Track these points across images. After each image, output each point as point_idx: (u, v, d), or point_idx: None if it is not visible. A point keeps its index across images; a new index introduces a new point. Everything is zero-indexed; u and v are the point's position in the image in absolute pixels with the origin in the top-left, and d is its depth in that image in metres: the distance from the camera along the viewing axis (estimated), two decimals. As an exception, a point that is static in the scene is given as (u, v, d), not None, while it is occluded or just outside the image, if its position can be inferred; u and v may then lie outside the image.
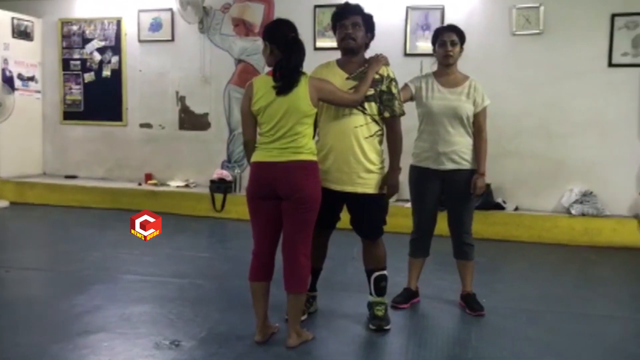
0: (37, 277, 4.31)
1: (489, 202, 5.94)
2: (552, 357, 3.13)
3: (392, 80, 3.29)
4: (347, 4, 3.35)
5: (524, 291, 4.26)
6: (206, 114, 7.12)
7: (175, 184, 7.09)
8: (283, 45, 2.96)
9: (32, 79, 7.58)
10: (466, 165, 3.60)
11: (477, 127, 3.62)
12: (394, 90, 3.28)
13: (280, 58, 2.95)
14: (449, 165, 3.58)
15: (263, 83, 2.98)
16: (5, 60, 7.21)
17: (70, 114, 7.67)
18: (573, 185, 5.89)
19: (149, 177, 7.25)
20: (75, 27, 7.53)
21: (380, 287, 3.42)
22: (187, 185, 7.04)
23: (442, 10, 6.16)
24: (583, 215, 5.70)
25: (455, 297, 3.84)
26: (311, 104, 2.95)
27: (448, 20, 6.08)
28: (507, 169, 6.07)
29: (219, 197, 6.59)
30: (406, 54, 6.24)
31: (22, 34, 7.40)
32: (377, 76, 3.22)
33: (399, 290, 3.79)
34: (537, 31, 5.88)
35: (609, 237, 5.60)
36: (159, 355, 2.94)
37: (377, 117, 3.26)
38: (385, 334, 3.32)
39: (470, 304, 3.70)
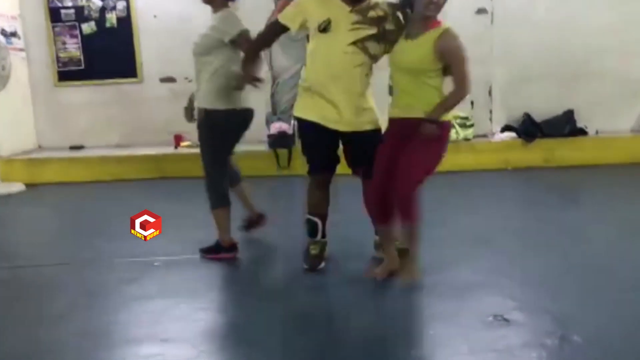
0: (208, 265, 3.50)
1: (574, 129, 5.86)
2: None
3: (397, 15, 3.04)
4: None
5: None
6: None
7: (215, 143, 6.29)
8: None
9: (14, 34, 6.28)
10: None
11: None
12: (403, 22, 3.04)
13: None
14: None
15: None
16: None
17: (66, 74, 6.49)
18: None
19: (179, 139, 6.35)
20: (63, -32, 6.30)
21: None
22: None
23: None
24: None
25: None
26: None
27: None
28: (583, 92, 6.00)
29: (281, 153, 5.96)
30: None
31: (-3, -21, 6.07)
32: (381, 13, 3.03)
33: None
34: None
35: None
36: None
37: (378, 58, 3.10)
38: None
39: None
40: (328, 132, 3.11)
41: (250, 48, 3.30)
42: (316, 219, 3.32)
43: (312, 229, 3.34)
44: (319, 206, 3.30)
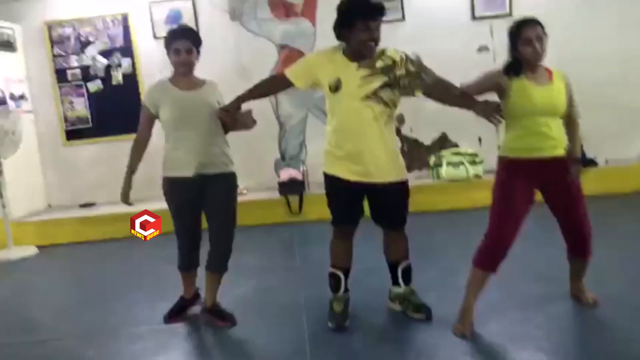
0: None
1: (583, 159, 5.83)
2: None
3: (407, 59, 3.04)
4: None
5: None
6: (249, 111, 6.33)
7: (225, 193, 6.29)
8: None
9: (22, 97, 6.34)
10: None
11: None
12: (412, 68, 3.01)
13: None
14: None
15: None
16: (-5, 78, 5.97)
17: (75, 133, 6.54)
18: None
19: (189, 190, 6.35)
20: (68, 30, 6.38)
21: (409, 276, 3.32)
22: (240, 193, 6.25)
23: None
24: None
25: None
26: None
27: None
28: (589, 122, 5.99)
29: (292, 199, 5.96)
30: (474, 18, 5.95)
31: (4, 44, 6.14)
32: (389, 62, 3.02)
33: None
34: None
35: None
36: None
37: (396, 104, 3.09)
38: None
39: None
40: (355, 185, 3.10)
41: (250, 93, 3.39)
42: (340, 274, 3.29)
43: (335, 284, 3.30)
44: (342, 259, 3.28)
